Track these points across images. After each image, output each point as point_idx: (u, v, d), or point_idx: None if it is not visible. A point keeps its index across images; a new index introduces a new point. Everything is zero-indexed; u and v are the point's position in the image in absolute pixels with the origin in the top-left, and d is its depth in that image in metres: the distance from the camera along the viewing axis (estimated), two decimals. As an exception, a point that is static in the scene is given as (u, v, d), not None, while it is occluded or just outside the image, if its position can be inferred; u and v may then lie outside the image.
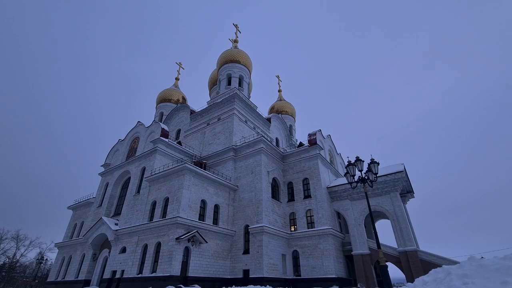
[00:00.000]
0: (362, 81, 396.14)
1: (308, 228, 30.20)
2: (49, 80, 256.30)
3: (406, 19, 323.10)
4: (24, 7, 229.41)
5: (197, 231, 24.91)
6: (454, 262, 21.95)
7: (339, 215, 33.05)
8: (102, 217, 31.89)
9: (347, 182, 17.02)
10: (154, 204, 28.51)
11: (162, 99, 59.67)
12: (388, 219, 29.21)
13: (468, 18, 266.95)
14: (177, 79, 65.26)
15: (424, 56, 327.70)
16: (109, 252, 29.43)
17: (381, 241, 16.27)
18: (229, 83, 48.27)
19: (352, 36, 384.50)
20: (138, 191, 31.70)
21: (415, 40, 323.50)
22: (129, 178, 35.03)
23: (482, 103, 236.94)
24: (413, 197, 35.00)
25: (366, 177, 15.31)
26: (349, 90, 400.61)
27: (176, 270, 22.71)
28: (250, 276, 25.92)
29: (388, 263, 24.22)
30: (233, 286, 23.42)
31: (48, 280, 37.69)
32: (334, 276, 26.33)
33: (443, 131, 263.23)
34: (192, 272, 24.01)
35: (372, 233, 29.20)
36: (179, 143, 39.89)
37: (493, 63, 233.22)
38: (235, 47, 53.90)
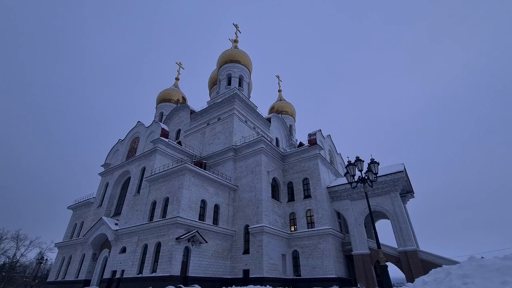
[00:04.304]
0: (363, 78, 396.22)
1: (308, 228, 30.20)
2: (49, 79, 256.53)
3: (407, 8, 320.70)
4: (31, 10, 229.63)
5: (197, 231, 24.91)
6: (454, 262, 21.95)
7: (339, 215, 33.06)
8: (102, 217, 31.89)
9: (347, 182, 17.03)
10: (154, 204, 28.51)
11: (162, 99, 59.70)
12: (388, 219, 29.21)
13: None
14: (177, 79, 65.28)
15: (425, 49, 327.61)
16: (109, 252, 29.44)
17: (381, 241, 16.27)
18: (229, 83, 48.28)
19: (352, 32, 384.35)
20: (138, 191, 31.71)
21: (415, 29, 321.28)
22: (129, 178, 35.04)
23: (483, 100, 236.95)
24: (413, 197, 35.03)
25: (366, 177, 15.31)
26: (349, 89, 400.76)
27: (176, 270, 22.71)
28: (250, 276, 25.92)
29: (388, 263, 24.22)
30: (233, 286, 23.43)
31: (48, 280, 37.73)
32: (334, 276, 26.34)
33: (443, 129, 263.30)
34: (192, 272, 24.02)
35: (372, 233, 29.20)
36: (179, 143, 39.92)
37: (495, 56, 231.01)
38: (235, 47, 53.91)
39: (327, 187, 32.43)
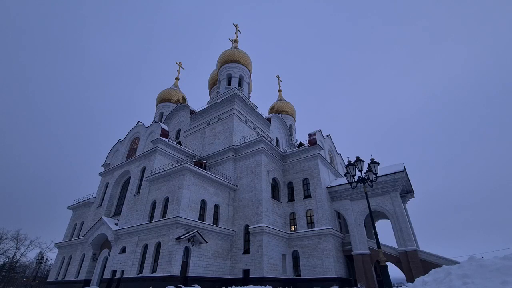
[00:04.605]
0: (363, 78, 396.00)
1: (308, 228, 30.19)
2: (49, 79, 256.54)
3: (406, 7, 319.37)
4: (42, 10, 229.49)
5: (197, 231, 24.91)
6: (454, 262, 21.94)
7: (339, 215, 33.04)
8: (102, 217, 31.89)
9: (347, 182, 17.02)
10: (154, 204, 28.51)
11: (162, 99, 59.69)
12: (388, 219, 29.20)
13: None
14: (177, 79, 65.27)
15: (425, 49, 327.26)
16: (109, 252, 29.44)
17: (381, 241, 16.27)
18: (229, 83, 48.27)
19: (352, 32, 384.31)
20: (138, 191, 31.70)
21: (415, 29, 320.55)
22: (129, 178, 35.03)
23: (483, 100, 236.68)
24: (413, 197, 35.01)
25: (366, 177, 15.30)
26: (349, 89, 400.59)
27: (176, 270, 22.71)
28: (250, 276, 25.92)
29: (388, 263, 24.22)
30: (233, 286, 23.44)
31: (48, 280, 37.72)
32: (334, 276, 26.33)
33: (443, 129, 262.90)
34: (192, 272, 24.02)
35: (372, 233, 29.18)
36: (179, 143, 39.92)
37: (496, 56, 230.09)
38: (235, 47, 53.90)
39: (327, 187, 32.42)
